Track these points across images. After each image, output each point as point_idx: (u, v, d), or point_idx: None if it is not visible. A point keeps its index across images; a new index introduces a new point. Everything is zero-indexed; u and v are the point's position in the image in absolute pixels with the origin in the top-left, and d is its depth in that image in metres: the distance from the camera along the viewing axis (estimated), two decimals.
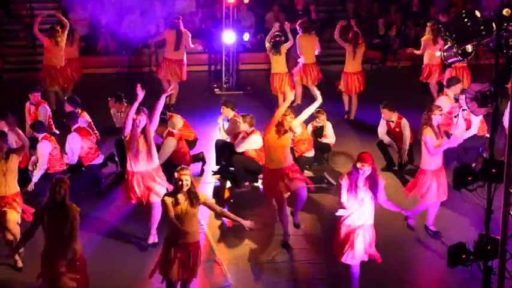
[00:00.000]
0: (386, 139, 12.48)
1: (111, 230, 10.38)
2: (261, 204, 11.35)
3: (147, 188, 9.59)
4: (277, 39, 14.72)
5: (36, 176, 10.95)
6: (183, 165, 7.98)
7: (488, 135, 11.99)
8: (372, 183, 8.13)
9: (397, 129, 12.33)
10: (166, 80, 15.50)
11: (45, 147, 11.02)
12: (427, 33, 15.53)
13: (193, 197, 7.71)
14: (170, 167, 11.18)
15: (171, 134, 11.54)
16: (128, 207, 10.63)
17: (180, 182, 7.66)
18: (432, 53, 15.29)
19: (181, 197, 7.69)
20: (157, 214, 9.62)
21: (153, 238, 9.81)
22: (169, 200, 7.68)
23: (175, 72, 15.46)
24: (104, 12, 18.98)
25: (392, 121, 12.33)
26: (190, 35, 15.55)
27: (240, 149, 11.57)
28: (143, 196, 9.63)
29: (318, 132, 12.54)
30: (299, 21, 15.49)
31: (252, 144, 11.56)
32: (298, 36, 15.19)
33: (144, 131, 9.47)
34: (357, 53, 14.85)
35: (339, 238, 8.32)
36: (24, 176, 11.10)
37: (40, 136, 11.12)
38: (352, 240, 8.20)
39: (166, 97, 10.71)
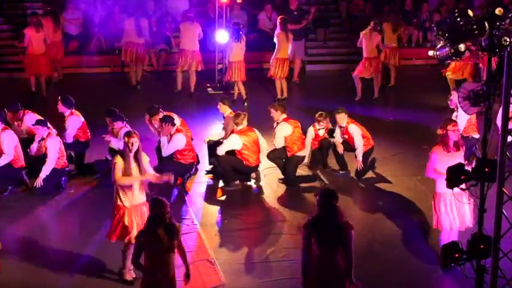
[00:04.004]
0: (340, 148, 12.03)
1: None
2: (253, 203, 11.36)
3: (137, 225, 8.34)
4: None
5: None
6: (158, 198, 7.23)
7: (473, 136, 12.14)
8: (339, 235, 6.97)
9: (346, 136, 11.90)
10: (132, 68, 16.97)
11: (11, 138, 10.99)
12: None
13: (171, 231, 7.08)
14: (177, 167, 11.26)
15: (180, 130, 11.33)
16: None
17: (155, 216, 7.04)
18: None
19: (161, 231, 7.04)
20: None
21: (130, 274, 8.60)
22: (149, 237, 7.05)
23: (137, 55, 16.83)
24: (96, 12, 18.95)
25: (343, 126, 11.90)
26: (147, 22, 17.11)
27: (220, 152, 11.42)
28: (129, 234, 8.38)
29: (331, 133, 12.39)
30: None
31: (230, 146, 11.41)
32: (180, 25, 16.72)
33: (137, 155, 8.42)
34: (288, 39, 15.87)
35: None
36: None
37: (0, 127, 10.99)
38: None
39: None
